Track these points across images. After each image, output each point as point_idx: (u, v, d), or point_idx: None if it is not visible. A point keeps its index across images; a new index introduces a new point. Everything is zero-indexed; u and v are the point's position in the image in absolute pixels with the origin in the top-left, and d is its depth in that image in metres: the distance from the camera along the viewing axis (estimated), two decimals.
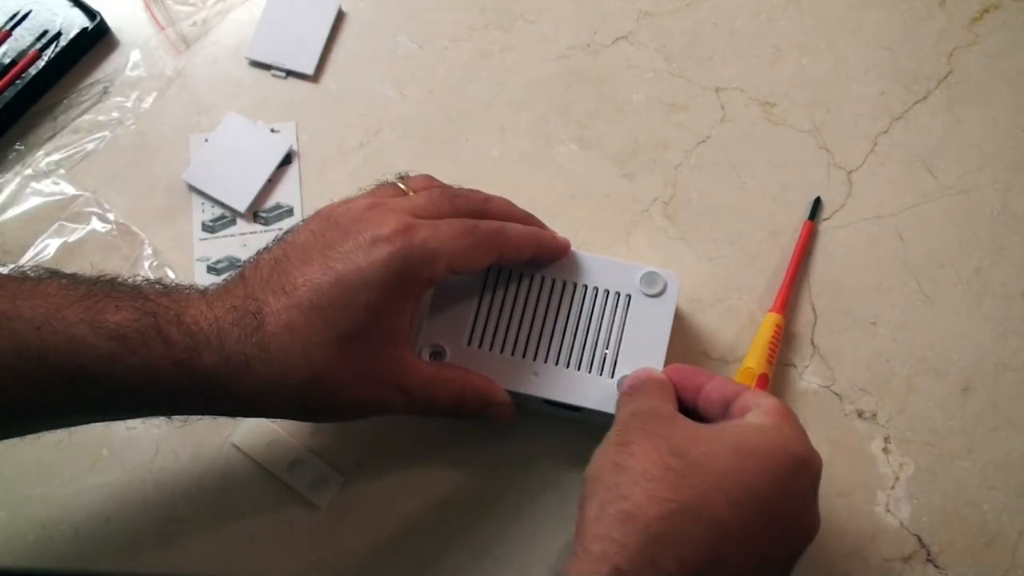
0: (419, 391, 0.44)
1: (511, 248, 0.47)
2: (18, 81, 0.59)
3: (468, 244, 0.44)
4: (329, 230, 0.44)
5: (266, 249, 0.44)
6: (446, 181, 0.58)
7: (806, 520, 0.40)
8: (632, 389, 0.45)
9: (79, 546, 0.50)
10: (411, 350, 0.45)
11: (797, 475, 0.39)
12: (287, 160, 0.59)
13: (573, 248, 0.51)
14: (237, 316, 0.41)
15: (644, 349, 0.49)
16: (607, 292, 0.50)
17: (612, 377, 0.48)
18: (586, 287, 0.50)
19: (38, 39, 0.61)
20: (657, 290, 0.50)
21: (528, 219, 0.50)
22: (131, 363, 0.39)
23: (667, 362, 0.48)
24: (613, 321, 0.49)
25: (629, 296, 0.50)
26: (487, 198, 0.49)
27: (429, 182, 0.50)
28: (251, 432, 0.52)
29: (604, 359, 0.49)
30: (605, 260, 0.51)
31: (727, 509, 0.37)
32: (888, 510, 0.50)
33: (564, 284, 0.50)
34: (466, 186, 0.58)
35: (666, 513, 0.36)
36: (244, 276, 0.43)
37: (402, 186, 0.48)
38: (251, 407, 0.43)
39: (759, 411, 0.41)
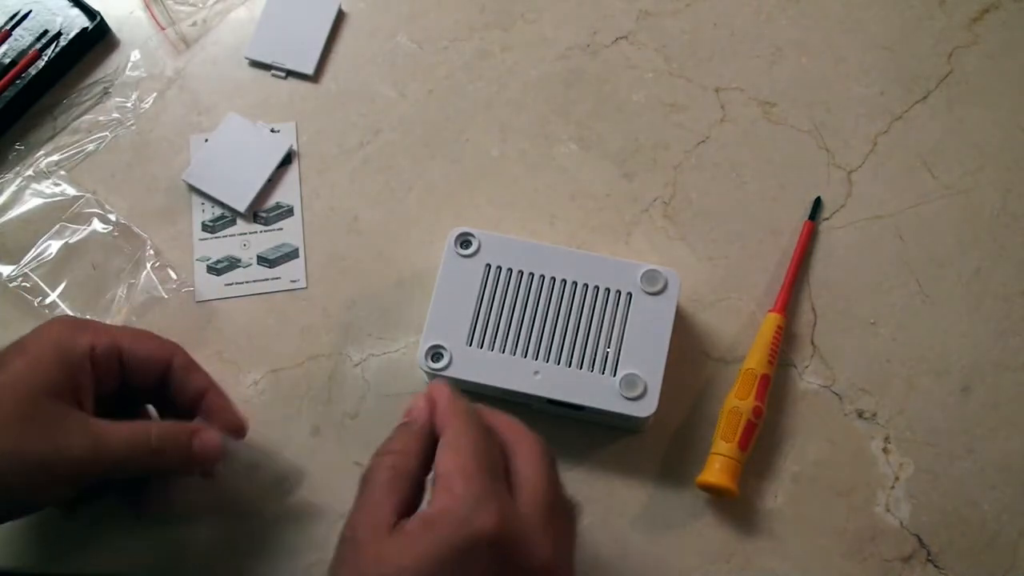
0: (88, 435, 0.42)
1: (184, 360, 0.47)
2: (18, 81, 0.59)
3: (139, 332, 0.47)
4: None
5: None
6: (446, 182, 0.58)
7: None
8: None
9: (79, 546, 0.50)
10: (82, 409, 0.43)
11: (467, 566, 0.35)
12: (287, 160, 0.59)
13: (574, 248, 0.51)
14: None
15: (646, 347, 0.49)
16: (608, 290, 0.50)
17: (614, 375, 0.48)
18: (587, 286, 0.50)
19: (38, 39, 0.61)
20: (658, 288, 0.50)
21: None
22: None
23: (669, 360, 0.49)
24: (614, 319, 0.49)
25: (630, 294, 0.50)
26: None
27: None
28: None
29: (606, 357, 0.49)
30: (605, 259, 0.51)
31: None
32: (888, 510, 0.50)
33: (565, 283, 0.50)
34: (466, 186, 0.58)
35: None
36: None
37: None
38: None
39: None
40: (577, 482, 0.51)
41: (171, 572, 0.50)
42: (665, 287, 0.50)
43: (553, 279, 0.50)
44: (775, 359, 0.51)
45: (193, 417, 0.48)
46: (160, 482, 0.50)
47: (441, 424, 0.39)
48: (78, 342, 0.44)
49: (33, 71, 0.60)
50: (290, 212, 0.58)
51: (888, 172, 0.57)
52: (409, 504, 0.38)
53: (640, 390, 0.48)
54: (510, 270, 0.51)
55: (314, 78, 0.61)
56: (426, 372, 0.49)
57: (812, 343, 0.53)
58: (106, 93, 0.61)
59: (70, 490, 0.44)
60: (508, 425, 0.40)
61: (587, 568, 0.50)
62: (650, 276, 0.50)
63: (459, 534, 0.35)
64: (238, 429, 0.49)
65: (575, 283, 0.50)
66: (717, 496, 0.50)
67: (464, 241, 0.51)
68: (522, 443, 0.40)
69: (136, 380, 0.46)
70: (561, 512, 0.39)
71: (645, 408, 0.48)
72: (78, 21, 0.61)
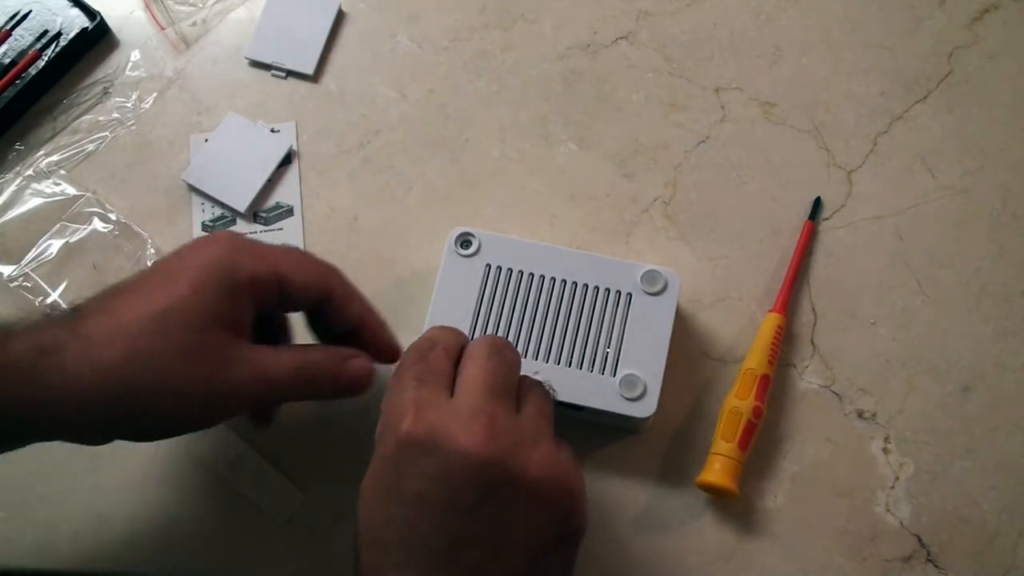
0: (252, 366, 0.42)
1: (343, 291, 0.46)
2: (18, 81, 0.59)
3: (298, 258, 0.45)
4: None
5: None
6: (446, 182, 0.58)
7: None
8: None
9: (79, 546, 0.50)
10: (243, 338, 0.42)
11: (401, 470, 0.37)
12: (287, 160, 0.59)
13: (574, 248, 0.51)
14: (52, 312, 0.41)
15: (646, 347, 0.49)
16: (608, 291, 0.50)
17: (614, 376, 0.48)
18: (587, 286, 0.50)
19: (38, 39, 0.61)
20: (658, 288, 0.50)
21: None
22: None
23: (669, 360, 0.49)
24: (614, 320, 0.49)
25: (630, 295, 0.50)
26: None
27: None
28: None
29: (606, 358, 0.49)
30: (605, 259, 0.51)
31: (377, 539, 0.37)
32: (888, 510, 0.50)
33: (565, 283, 0.50)
34: (466, 186, 0.58)
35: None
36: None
37: None
38: (68, 405, 0.39)
39: None
40: None
41: (169, 570, 0.50)
42: (665, 287, 0.50)
43: (553, 279, 0.50)
44: (775, 359, 0.51)
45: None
46: None
47: None
48: (241, 270, 0.42)
49: (33, 71, 0.60)
50: (290, 212, 0.58)
51: (888, 172, 0.57)
52: None
53: (640, 391, 0.48)
54: (510, 270, 0.51)
55: (314, 78, 0.61)
56: None
57: (812, 343, 0.53)
58: (106, 93, 0.61)
59: (228, 418, 0.44)
60: (474, 340, 0.42)
61: (587, 568, 0.50)
62: (650, 276, 0.50)
63: (388, 444, 0.38)
64: (392, 356, 0.47)
65: (575, 283, 0.50)
66: (717, 496, 0.50)
67: (464, 241, 0.51)
68: (471, 345, 0.42)
69: (292, 306, 0.45)
70: (503, 397, 0.40)
71: (644, 409, 0.48)
72: (78, 21, 0.61)
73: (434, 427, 0.37)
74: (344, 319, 0.46)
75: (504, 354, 0.41)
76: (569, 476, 0.39)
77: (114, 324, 0.39)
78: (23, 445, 0.42)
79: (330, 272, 0.45)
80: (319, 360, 0.44)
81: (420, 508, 0.36)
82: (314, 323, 0.47)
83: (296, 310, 0.46)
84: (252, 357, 0.42)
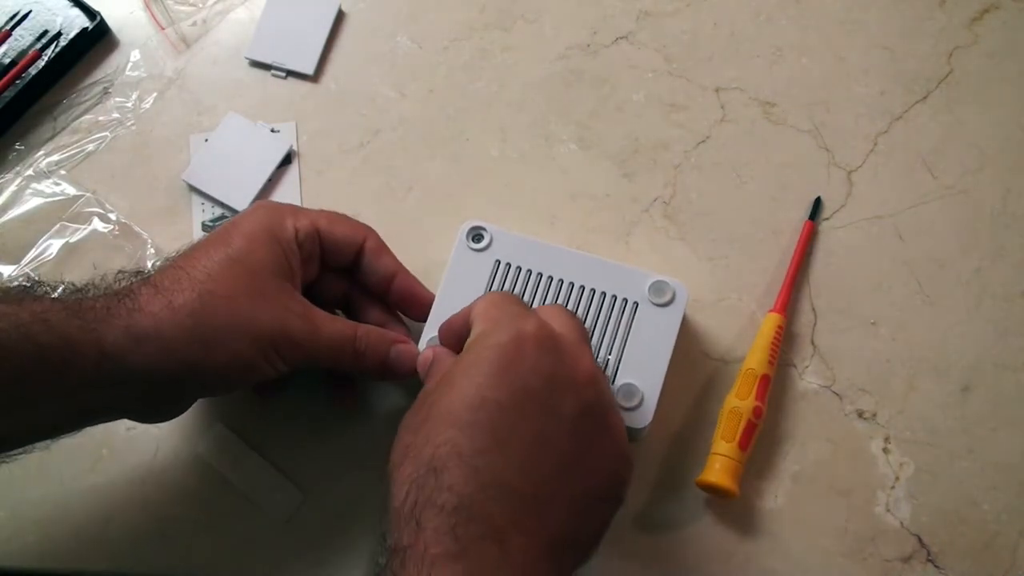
0: (309, 321, 0.45)
1: (375, 242, 0.49)
2: (18, 81, 0.59)
3: (333, 215, 0.49)
4: None
5: None
6: (446, 182, 0.58)
7: (572, 386, 0.39)
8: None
9: (79, 546, 0.50)
10: (299, 292, 0.46)
11: (515, 360, 0.38)
12: (287, 160, 0.59)
13: (581, 251, 0.51)
14: (124, 273, 0.44)
15: (647, 357, 0.48)
16: (614, 298, 0.50)
17: (613, 383, 0.48)
18: (594, 291, 0.50)
19: (38, 39, 0.61)
20: (665, 299, 0.49)
21: None
22: (19, 318, 0.39)
23: (670, 370, 0.48)
24: (618, 327, 0.49)
25: (636, 303, 0.49)
26: None
27: None
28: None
29: (606, 365, 0.49)
30: (615, 265, 0.50)
31: (464, 419, 0.37)
32: (888, 510, 0.50)
33: (572, 286, 0.50)
34: (466, 186, 0.58)
35: (403, 450, 0.38)
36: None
37: None
38: (147, 346, 0.41)
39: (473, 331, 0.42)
40: None
41: (169, 570, 0.50)
42: (672, 299, 0.49)
43: (560, 281, 0.50)
44: (775, 359, 0.51)
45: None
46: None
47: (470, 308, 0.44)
48: (284, 224, 0.46)
49: (33, 71, 0.60)
50: None
51: (888, 172, 0.57)
52: None
53: (636, 400, 0.47)
54: (519, 268, 0.50)
55: (314, 78, 0.61)
56: None
57: (812, 343, 0.53)
58: (106, 93, 0.61)
59: (283, 369, 0.45)
60: (541, 306, 0.45)
61: (586, 568, 0.49)
62: (658, 287, 0.49)
63: (505, 335, 0.39)
64: (426, 308, 0.50)
65: (582, 287, 0.50)
66: (717, 496, 0.50)
67: (476, 235, 0.51)
68: (542, 307, 0.43)
69: (332, 261, 0.49)
70: (589, 348, 0.42)
71: (640, 419, 0.47)
72: (78, 21, 0.62)
73: (554, 338, 0.39)
74: (377, 273, 0.49)
75: (577, 320, 0.43)
76: (629, 448, 0.41)
77: (182, 273, 0.43)
78: (84, 425, 0.44)
79: (363, 228, 0.50)
80: (370, 335, 0.47)
81: (521, 400, 0.37)
82: (352, 312, 0.51)
83: (336, 269, 0.49)
84: (309, 313, 0.45)
